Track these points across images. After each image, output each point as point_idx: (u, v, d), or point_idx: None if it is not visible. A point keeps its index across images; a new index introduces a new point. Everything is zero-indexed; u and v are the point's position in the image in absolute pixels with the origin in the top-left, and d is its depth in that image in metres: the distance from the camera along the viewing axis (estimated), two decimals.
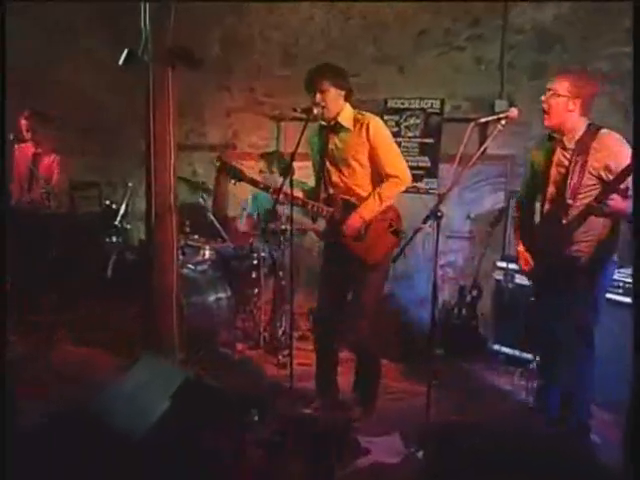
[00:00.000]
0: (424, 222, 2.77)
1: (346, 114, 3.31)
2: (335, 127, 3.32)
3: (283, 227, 4.43)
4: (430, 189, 5.15)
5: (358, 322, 3.36)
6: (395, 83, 5.29)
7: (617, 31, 4.42)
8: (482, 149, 2.84)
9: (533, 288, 3.35)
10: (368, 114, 3.35)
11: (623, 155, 2.82)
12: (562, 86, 2.95)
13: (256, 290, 4.64)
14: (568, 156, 3.00)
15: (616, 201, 2.72)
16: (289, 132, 5.39)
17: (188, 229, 4.76)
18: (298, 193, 3.42)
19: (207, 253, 4.75)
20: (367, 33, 5.36)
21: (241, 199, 5.25)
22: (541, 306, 3.22)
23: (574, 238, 2.95)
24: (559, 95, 2.94)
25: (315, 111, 3.18)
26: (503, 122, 2.83)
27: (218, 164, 3.44)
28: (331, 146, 3.34)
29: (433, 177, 5.18)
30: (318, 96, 3.22)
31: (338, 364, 3.60)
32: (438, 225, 2.76)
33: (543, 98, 3.00)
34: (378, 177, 3.34)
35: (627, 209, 2.72)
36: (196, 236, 4.85)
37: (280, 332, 4.62)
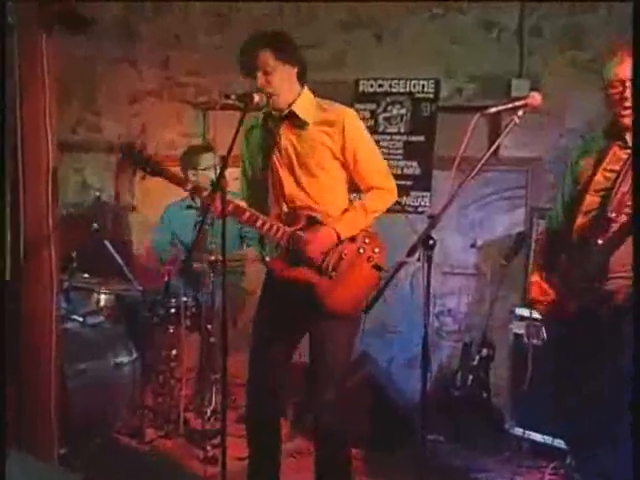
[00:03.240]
0: (410, 253, 2.77)
1: (304, 102, 3.33)
2: (289, 119, 3.33)
3: (213, 258, 4.41)
4: (420, 206, 5.21)
5: (319, 396, 3.34)
6: (371, 57, 5.36)
7: None
8: (492, 149, 2.85)
9: (550, 336, 3.39)
10: (339, 105, 3.37)
11: None
12: (625, 68, 2.99)
13: (174, 351, 4.62)
14: (624, 157, 3.07)
15: None
16: (220, 126, 5.39)
17: (75, 265, 4.69)
18: (243, 204, 3.41)
19: (103, 299, 4.71)
20: None
21: (152, 218, 5.21)
22: (561, 363, 3.25)
23: (611, 268, 3.00)
24: (623, 81, 3.00)
25: (257, 98, 3.18)
26: (521, 112, 2.85)
27: (121, 155, 3.38)
28: (285, 144, 3.35)
29: (424, 190, 5.24)
30: (261, 78, 3.23)
31: (280, 457, 3.58)
32: (429, 258, 2.76)
33: (610, 90, 3.05)
34: (352, 191, 3.39)
35: None
36: (86, 275, 4.79)
37: (208, 412, 4.58)
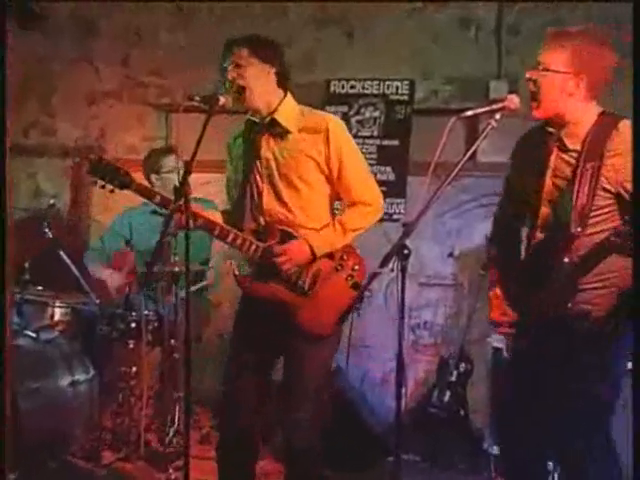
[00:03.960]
0: (383, 264, 2.77)
1: (286, 109, 3.34)
2: (271, 127, 3.34)
3: (176, 269, 4.39)
4: (394, 214, 5.23)
5: (292, 416, 3.34)
6: (342, 56, 5.38)
7: None
8: (469, 154, 2.86)
9: (511, 355, 3.36)
10: (323, 113, 3.40)
11: None
12: (557, 56, 2.94)
13: (134, 368, 4.58)
14: (572, 162, 2.98)
15: None
16: (184, 129, 5.37)
17: (28, 277, 4.66)
18: (214, 216, 3.41)
19: (58, 313, 4.67)
20: None
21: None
22: (525, 384, 3.23)
23: (581, 284, 2.93)
24: (553, 71, 2.93)
25: (222, 100, 3.17)
26: (498, 115, 2.87)
27: (88, 169, 3.34)
28: (266, 154, 3.36)
29: (398, 196, 5.26)
30: (232, 71, 3.24)
31: None
32: (404, 268, 2.77)
33: (528, 75, 3.00)
34: (335, 205, 3.41)
35: None
36: (40, 287, 4.76)
37: (171, 432, 4.55)
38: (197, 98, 3.19)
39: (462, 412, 4.75)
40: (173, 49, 5.61)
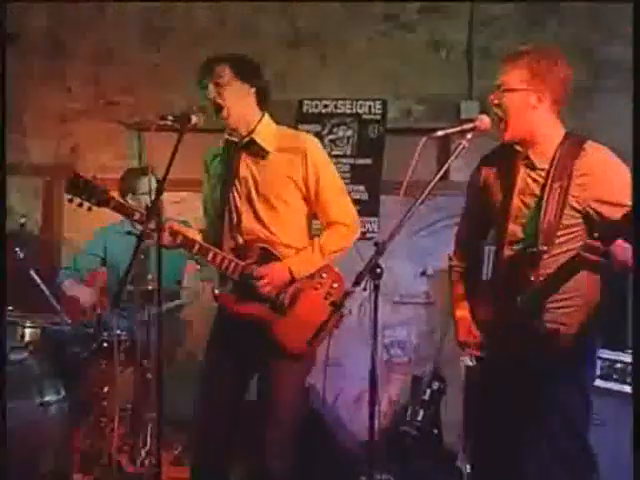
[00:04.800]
0: (356, 283, 2.78)
1: (265, 129, 3.36)
2: (249, 147, 3.35)
3: (149, 288, 4.37)
4: (368, 232, 5.23)
5: (268, 436, 3.34)
6: (315, 76, 5.40)
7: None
8: (441, 173, 2.88)
9: (480, 375, 3.35)
10: (301, 133, 3.44)
11: (622, 180, 2.82)
12: (515, 75, 2.95)
13: (106, 388, 4.55)
14: (540, 180, 3.00)
15: (621, 248, 2.65)
16: (156, 148, 5.36)
17: None
18: (193, 235, 3.40)
19: (28, 333, 4.62)
20: (273, 3, 5.49)
21: (82, 246, 5.15)
22: (496, 402, 3.22)
23: (549, 302, 2.92)
24: (513, 90, 2.95)
25: (194, 119, 3.18)
26: (470, 135, 2.89)
27: (66, 183, 3.33)
28: (244, 174, 3.36)
29: (371, 215, 5.28)
30: (212, 90, 3.25)
31: None
32: (377, 287, 2.77)
33: (491, 98, 3.00)
34: (313, 224, 3.42)
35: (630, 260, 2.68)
36: (10, 307, 4.68)
37: (143, 453, 4.52)
38: (169, 117, 3.20)
39: (435, 430, 4.75)
40: (145, 68, 5.60)
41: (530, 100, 2.94)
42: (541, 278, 2.90)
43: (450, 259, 3.47)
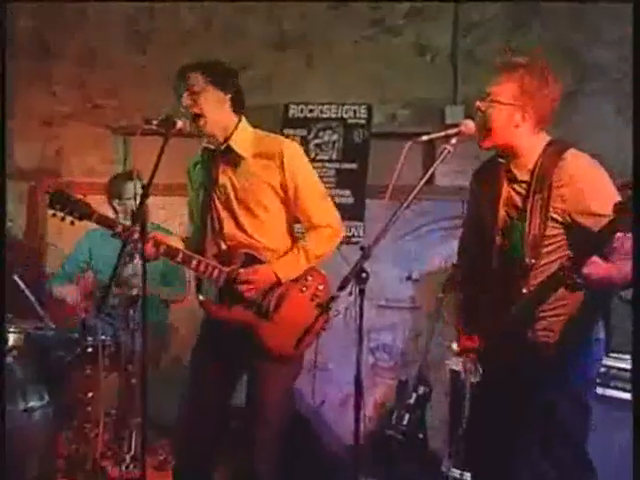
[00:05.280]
0: (342, 287, 2.78)
1: (241, 135, 3.36)
2: (226, 154, 3.35)
3: (134, 293, 4.36)
4: (353, 237, 5.23)
5: (255, 439, 3.34)
6: (301, 81, 5.40)
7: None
8: (426, 178, 2.89)
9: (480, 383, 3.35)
10: (278, 137, 3.43)
11: (601, 188, 2.85)
12: (506, 88, 2.96)
13: (90, 394, 4.53)
14: (522, 192, 3.00)
15: (595, 267, 2.65)
16: (142, 152, 5.35)
17: None
18: (176, 243, 3.41)
19: (12, 338, 4.53)
20: (257, 6, 5.48)
21: (67, 251, 5.13)
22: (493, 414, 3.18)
23: (539, 313, 2.95)
24: (500, 102, 2.95)
25: (179, 124, 3.17)
26: (454, 140, 2.90)
27: (48, 198, 3.31)
28: (223, 181, 3.36)
29: (357, 219, 5.27)
30: (187, 98, 3.24)
31: None
32: (362, 291, 2.78)
33: (477, 104, 3.01)
34: (294, 228, 3.42)
35: (618, 275, 2.68)
36: None
37: (127, 459, 4.49)
38: (154, 122, 3.20)
39: (421, 435, 4.75)
40: (131, 71, 5.58)
41: (515, 117, 2.95)
42: (532, 288, 2.91)
43: (455, 267, 3.58)
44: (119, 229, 3.30)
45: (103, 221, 3.34)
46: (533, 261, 2.92)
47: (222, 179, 3.36)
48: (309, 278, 3.38)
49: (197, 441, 3.44)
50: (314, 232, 3.38)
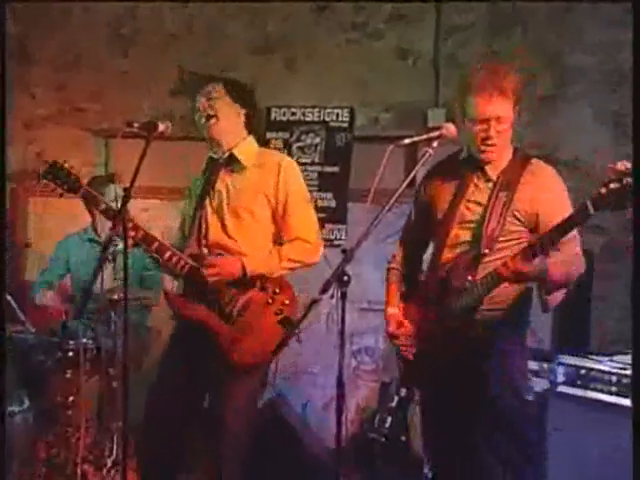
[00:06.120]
0: (324, 290, 2.78)
1: (246, 147, 3.45)
2: (229, 162, 3.42)
3: (115, 297, 4.34)
4: (335, 239, 5.25)
5: (219, 450, 3.38)
6: (282, 84, 5.40)
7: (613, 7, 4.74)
8: (407, 181, 2.91)
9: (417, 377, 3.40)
10: (281, 154, 3.61)
11: (561, 198, 2.99)
12: (504, 106, 2.98)
13: (71, 398, 4.49)
14: (487, 190, 3.09)
15: (554, 267, 2.83)
16: (123, 155, 5.34)
17: None
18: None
19: None
20: (240, 9, 5.48)
21: (47, 254, 5.11)
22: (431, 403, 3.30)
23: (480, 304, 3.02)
24: (501, 120, 2.98)
25: (161, 127, 3.18)
26: (435, 143, 2.92)
27: (44, 168, 3.39)
28: (219, 188, 3.43)
29: (339, 222, 5.29)
30: (203, 102, 3.33)
31: None
32: (344, 294, 2.78)
33: (491, 132, 2.98)
34: (277, 240, 3.46)
35: (566, 275, 2.87)
36: None
37: (109, 463, 4.47)
38: (136, 125, 3.21)
39: (403, 437, 4.75)
40: (113, 74, 5.57)
41: (510, 130, 3.05)
42: (477, 279, 2.99)
43: (389, 262, 3.53)
44: (102, 207, 3.36)
45: (88, 197, 3.40)
46: (486, 251, 3.00)
47: (219, 186, 3.42)
48: (276, 290, 3.40)
49: (161, 451, 3.48)
50: (294, 242, 3.43)
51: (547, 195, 3.01)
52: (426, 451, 3.71)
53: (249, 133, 3.49)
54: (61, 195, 3.38)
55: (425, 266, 3.36)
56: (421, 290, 3.29)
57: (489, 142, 3.01)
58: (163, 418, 3.45)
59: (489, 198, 3.05)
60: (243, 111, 3.42)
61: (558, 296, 3.03)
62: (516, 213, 3.02)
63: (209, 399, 3.46)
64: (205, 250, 3.41)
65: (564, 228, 2.73)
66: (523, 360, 3.24)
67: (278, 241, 3.47)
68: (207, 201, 3.44)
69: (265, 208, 3.40)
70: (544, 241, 2.78)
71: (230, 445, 3.37)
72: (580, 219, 2.68)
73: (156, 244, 3.33)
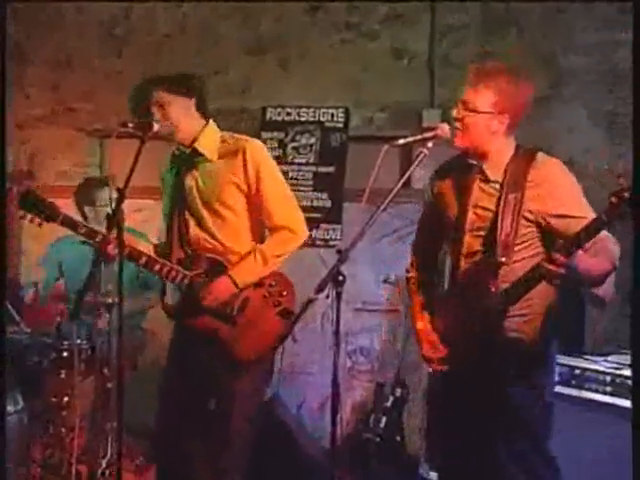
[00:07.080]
0: (319, 290, 2.78)
1: (207, 137, 3.38)
2: (193, 157, 3.37)
3: (110, 301, 4.33)
4: (330, 240, 5.24)
5: (221, 450, 3.36)
6: (278, 84, 5.40)
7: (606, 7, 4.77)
8: (402, 181, 2.90)
9: (445, 389, 3.33)
10: (242, 137, 3.42)
11: (571, 192, 2.93)
12: (482, 96, 2.97)
13: (66, 398, 4.49)
14: (494, 193, 3.03)
15: (582, 261, 2.69)
16: (117, 155, 5.33)
17: None
18: (144, 247, 3.42)
19: None
20: (234, 9, 5.48)
21: (38, 256, 5.10)
22: (462, 418, 3.17)
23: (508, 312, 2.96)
24: (477, 111, 2.96)
25: (156, 127, 3.18)
26: (430, 143, 2.91)
27: (19, 198, 3.35)
28: (189, 183, 3.38)
29: (334, 222, 5.29)
30: (157, 112, 3.29)
31: None
32: (339, 294, 2.78)
33: (455, 113, 3.03)
34: (260, 230, 3.42)
35: (596, 268, 2.77)
36: None
37: (104, 464, 4.46)
38: (130, 125, 3.20)
39: (398, 437, 4.76)
40: (105, 74, 5.56)
41: (492, 124, 2.97)
42: (501, 288, 2.92)
43: (407, 271, 3.48)
44: (82, 231, 3.34)
45: (67, 223, 3.36)
46: (505, 259, 2.93)
47: (188, 182, 3.38)
48: (273, 284, 3.39)
49: (172, 450, 3.48)
50: (274, 233, 3.39)
51: (556, 191, 2.94)
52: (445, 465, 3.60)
53: (206, 118, 3.41)
54: (40, 225, 3.35)
55: (446, 273, 3.29)
56: (442, 299, 3.25)
57: (456, 125, 3.00)
58: (176, 427, 3.46)
59: (498, 203, 2.98)
60: (192, 100, 3.35)
61: (608, 289, 2.96)
62: (527, 214, 2.94)
63: (215, 401, 3.43)
64: (189, 251, 3.39)
65: (598, 224, 2.59)
66: (550, 369, 3.17)
67: (260, 231, 3.44)
68: (181, 199, 3.41)
69: (239, 198, 3.35)
70: (581, 235, 2.63)
71: (235, 444, 3.37)
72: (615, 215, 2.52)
73: (144, 258, 3.32)
